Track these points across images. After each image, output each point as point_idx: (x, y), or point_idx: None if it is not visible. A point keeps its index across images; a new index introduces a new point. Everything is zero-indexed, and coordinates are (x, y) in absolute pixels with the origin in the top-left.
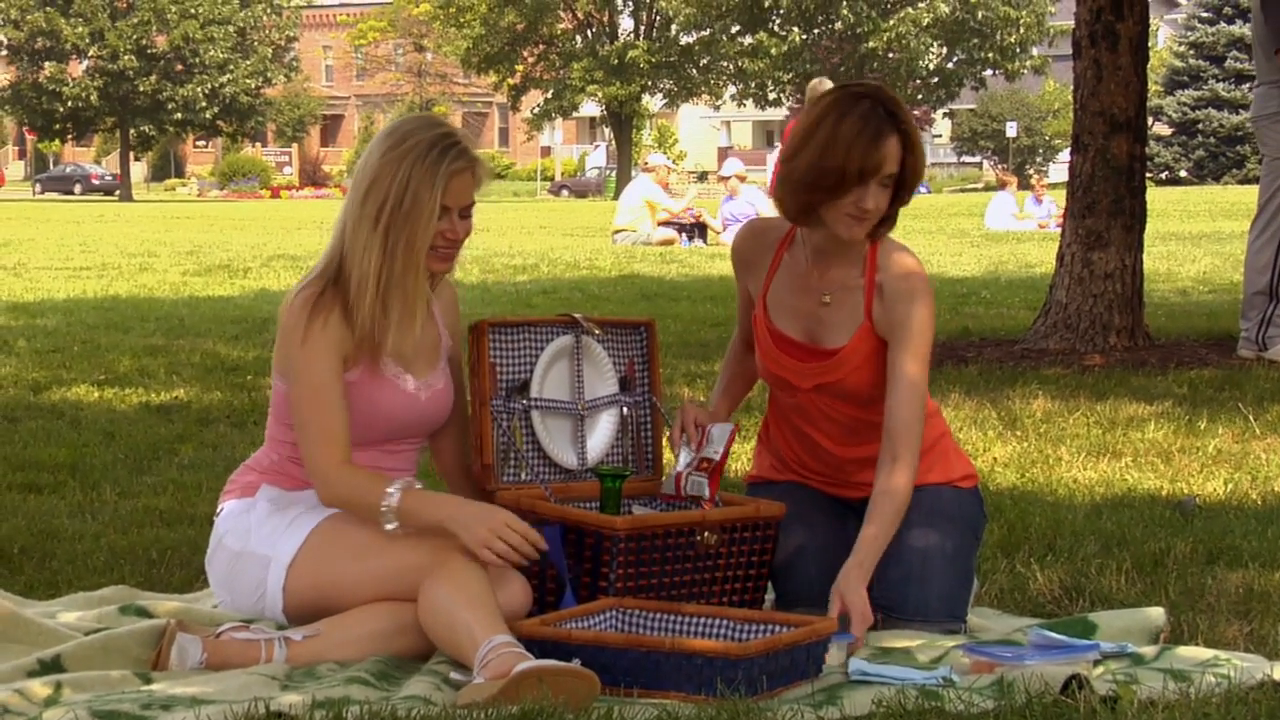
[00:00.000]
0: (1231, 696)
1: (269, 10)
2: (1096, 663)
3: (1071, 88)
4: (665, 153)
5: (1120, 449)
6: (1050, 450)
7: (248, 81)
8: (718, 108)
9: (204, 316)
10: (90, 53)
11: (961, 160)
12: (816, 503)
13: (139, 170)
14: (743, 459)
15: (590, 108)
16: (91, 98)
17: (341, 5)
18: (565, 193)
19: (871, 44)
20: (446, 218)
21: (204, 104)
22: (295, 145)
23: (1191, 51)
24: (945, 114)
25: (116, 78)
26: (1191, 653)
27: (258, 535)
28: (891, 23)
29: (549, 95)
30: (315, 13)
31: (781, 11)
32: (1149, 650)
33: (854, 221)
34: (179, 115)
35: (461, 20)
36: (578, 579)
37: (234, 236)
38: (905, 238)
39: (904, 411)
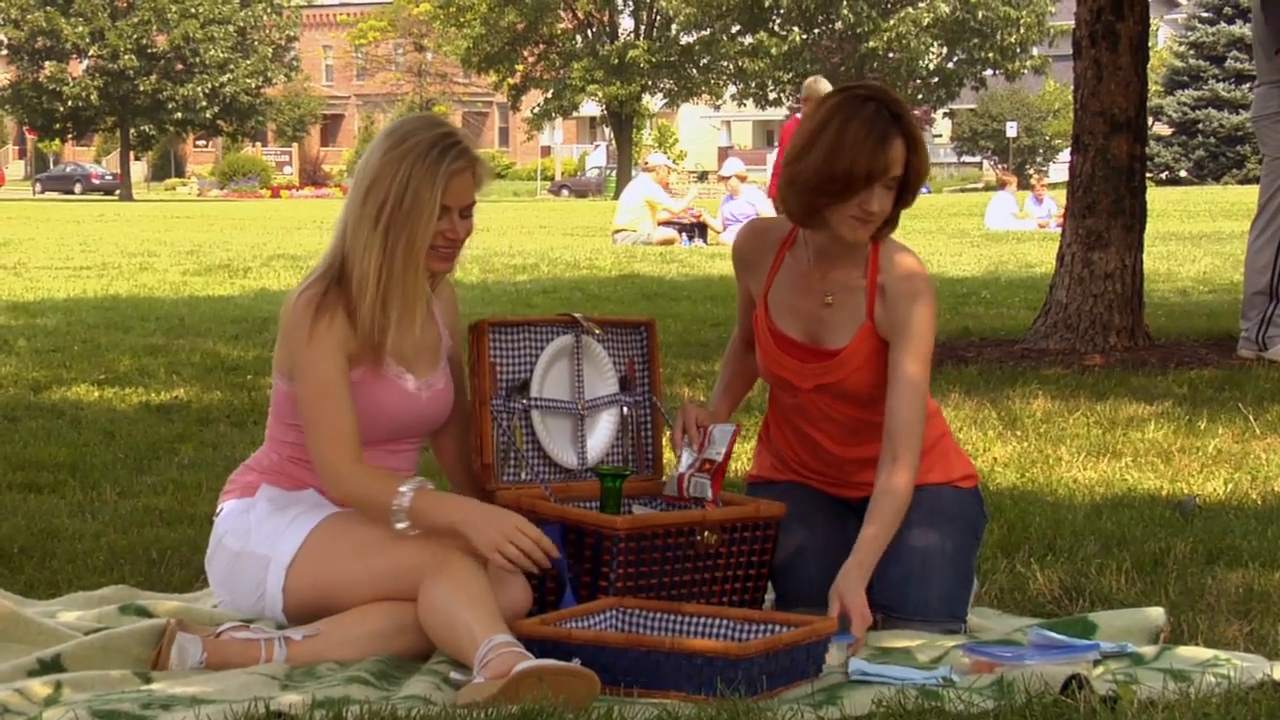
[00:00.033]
0: (1231, 696)
1: (269, 10)
2: (1096, 663)
3: (1071, 88)
4: (665, 152)
5: (1120, 449)
6: (1050, 450)
7: (248, 81)
8: (718, 107)
9: (204, 316)
10: (90, 52)
11: (962, 160)
12: (817, 502)
13: (139, 170)
14: (743, 459)
15: (590, 107)
16: (92, 97)
17: (342, 5)
18: (565, 192)
19: (872, 44)
20: (447, 217)
21: (204, 103)
22: (295, 145)
23: (1191, 51)
24: (945, 114)
25: (117, 77)
26: (1191, 653)
27: (257, 535)
28: (892, 22)
29: (549, 95)
30: (315, 12)
31: (782, 11)
32: (1149, 650)
33: (859, 224)
34: (179, 115)
35: (462, 20)
36: (578, 578)
37: (234, 236)
38: (905, 238)
39: (905, 412)
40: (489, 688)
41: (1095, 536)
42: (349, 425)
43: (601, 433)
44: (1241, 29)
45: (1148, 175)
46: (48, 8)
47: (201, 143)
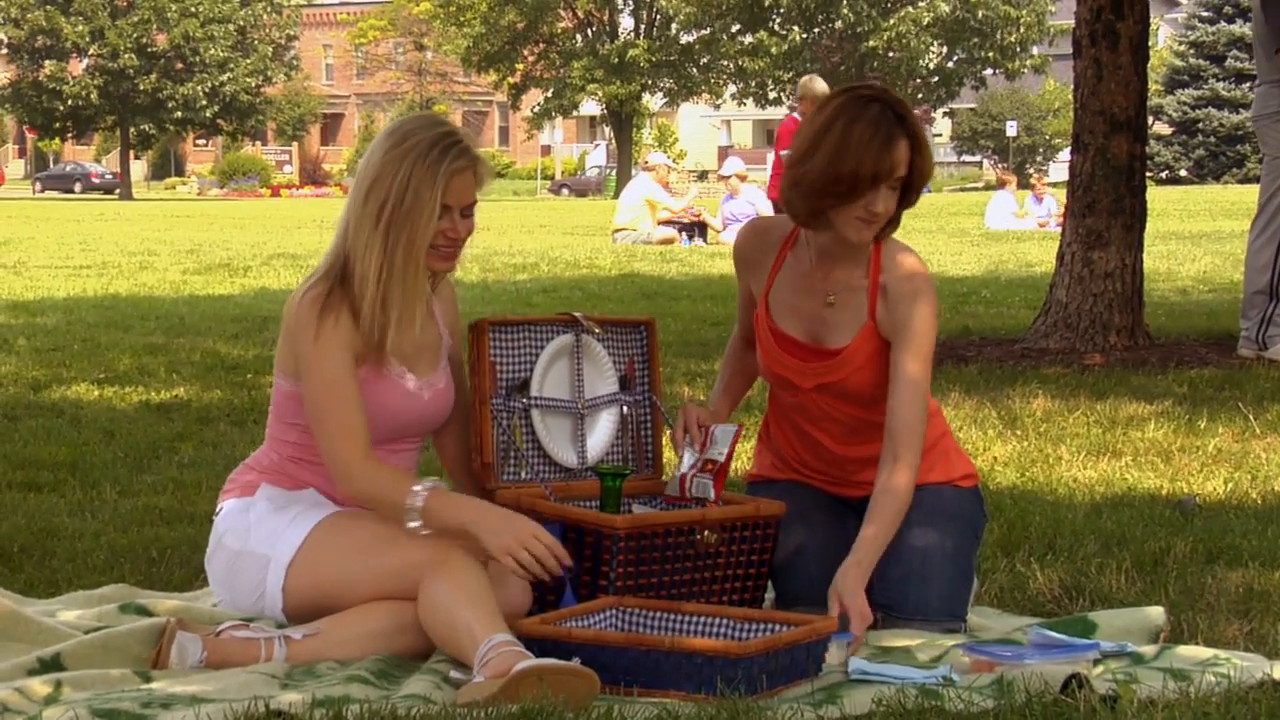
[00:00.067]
0: (1231, 696)
1: (269, 9)
2: (1096, 662)
3: (1071, 87)
4: (665, 152)
5: (1120, 448)
6: (1050, 449)
7: (248, 80)
8: (718, 107)
9: (204, 315)
10: (90, 51)
11: (962, 159)
12: (817, 502)
13: (139, 169)
14: (743, 458)
15: (590, 106)
16: (92, 96)
17: (342, 4)
18: (565, 191)
19: (872, 43)
20: (447, 217)
21: (204, 102)
22: (295, 144)
23: (1192, 51)
24: (945, 113)
25: (117, 76)
26: (1191, 652)
27: (257, 534)
28: (892, 22)
29: (549, 94)
30: (315, 11)
31: (782, 10)
32: (1149, 649)
33: (864, 225)
34: (179, 114)
35: (462, 19)
36: (578, 578)
37: (234, 235)
38: (905, 237)
39: (906, 412)
40: (489, 687)
41: (1095, 536)
42: (359, 421)
43: (601, 432)
44: (1242, 28)
45: (1148, 174)
46: (48, 6)
47: (201, 142)
